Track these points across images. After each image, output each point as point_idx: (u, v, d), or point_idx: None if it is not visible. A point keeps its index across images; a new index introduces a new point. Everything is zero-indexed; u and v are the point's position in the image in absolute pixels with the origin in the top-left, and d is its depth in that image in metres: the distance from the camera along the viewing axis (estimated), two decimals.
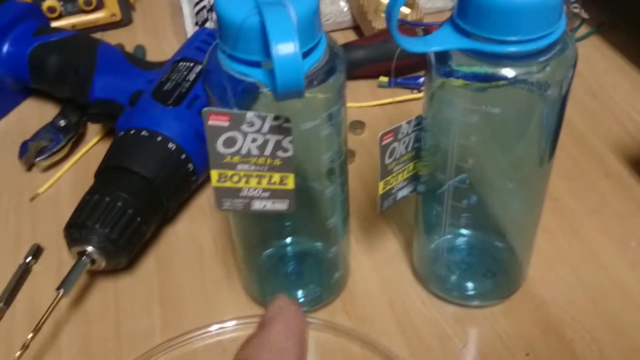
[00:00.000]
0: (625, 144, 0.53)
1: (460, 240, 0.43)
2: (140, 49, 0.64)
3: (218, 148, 0.32)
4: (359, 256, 0.45)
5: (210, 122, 0.31)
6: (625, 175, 0.50)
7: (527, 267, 0.43)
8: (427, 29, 0.59)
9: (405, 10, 0.62)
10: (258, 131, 0.32)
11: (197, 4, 0.64)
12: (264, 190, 0.34)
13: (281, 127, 0.32)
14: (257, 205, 0.35)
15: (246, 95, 0.32)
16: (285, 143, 0.32)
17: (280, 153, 0.33)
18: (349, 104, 0.57)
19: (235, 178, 0.33)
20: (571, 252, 0.45)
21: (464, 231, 0.43)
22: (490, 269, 0.43)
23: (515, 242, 0.42)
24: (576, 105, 0.56)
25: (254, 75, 0.30)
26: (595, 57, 0.62)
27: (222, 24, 0.30)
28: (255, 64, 0.30)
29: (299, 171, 0.35)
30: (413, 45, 0.32)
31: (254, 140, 0.32)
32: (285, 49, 0.27)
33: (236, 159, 0.33)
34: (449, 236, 0.42)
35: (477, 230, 0.42)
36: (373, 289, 0.43)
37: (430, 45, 0.32)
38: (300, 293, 0.43)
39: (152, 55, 0.64)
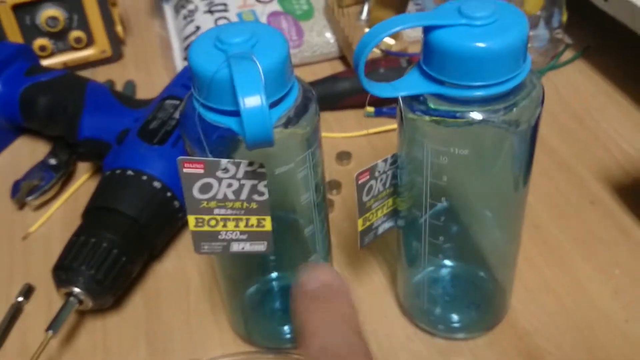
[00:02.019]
0: (610, 171, 0.53)
1: (443, 272, 0.43)
2: (130, 84, 0.65)
3: (194, 194, 0.33)
4: None
5: (185, 170, 0.32)
6: (610, 202, 0.50)
7: (510, 298, 0.43)
8: (411, 59, 0.60)
9: (389, 40, 0.63)
10: (233, 177, 0.33)
11: (186, 38, 0.66)
12: (242, 232, 0.35)
13: (255, 172, 0.32)
14: (236, 247, 0.35)
15: (221, 141, 0.33)
16: (261, 187, 0.33)
17: (256, 197, 0.33)
18: (335, 134, 0.58)
19: (213, 222, 0.34)
20: (554, 281, 0.45)
21: (446, 262, 0.43)
22: (474, 300, 0.43)
23: (497, 271, 0.42)
24: (561, 130, 0.57)
25: (227, 124, 0.31)
26: (580, 81, 0.63)
27: (195, 75, 0.31)
28: (228, 113, 0.31)
29: (278, 211, 0.36)
30: (382, 90, 0.33)
31: (229, 185, 0.33)
32: (252, 102, 0.28)
33: (212, 204, 0.33)
34: (430, 268, 0.42)
35: (459, 260, 0.43)
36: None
37: (398, 91, 0.33)
38: (286, 329, 0.43)
39: (143, 90, 0.65)
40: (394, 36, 0.63)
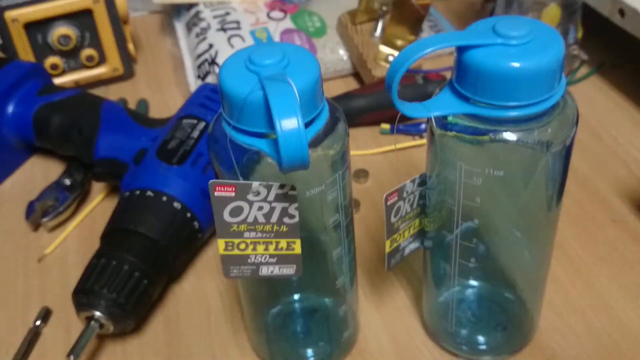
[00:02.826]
0: (631, 188, 0.52)
1: (470, 292, 0.43)
2: (143, 103, 0.64)
3: (225, 217, 0.32)
4: (368, 311, 0.45)
5: (216, 194, 0.31)
6: (631, 220, 0.50)
7: (538, 319, 0.42)
8: (427, 76, 0.60)
9: None
10: (264, 200, 0.32)
11: (198, 56, 0.65)
12: (271, 256, 0.34)
13: (287, 195, 0.32)
14: (265, 270, 0.35)
15: (249, 163, 0.32)
16: (291, 210, 0.33)
17: (286, 220, 0.33)
18: (352, 152, 0.58)
19: (242, 245, 0.33)
20: (581, 301, 0.45)
21: (473, 282, 0.42)
22: (501, 322, 0.43)
23: (525, 293, 0.42)
24: (579, 147, 0.56)
25: (260, 147, 0.31)
26: (596, 97, 0.62)
27: (226, 98, 0.31)
28: (260, 135, 0.31)
29: (306, 234, 0.35)
30: (414, 111, 0.32)
31: (260, 208, 0.32)
32: (288, 124, 0.28)
33: (243, 227, 0.33)
34: (457, 288, 0.42)
35: (487, 281, 0.42)
36: (384, 345, 0.43)
37: (430, 111, 0.32)
38: (310, 352, 0.42)
39: (155, 108, 0.65)
40: None
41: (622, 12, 0.58)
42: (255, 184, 0.31)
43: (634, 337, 0.42)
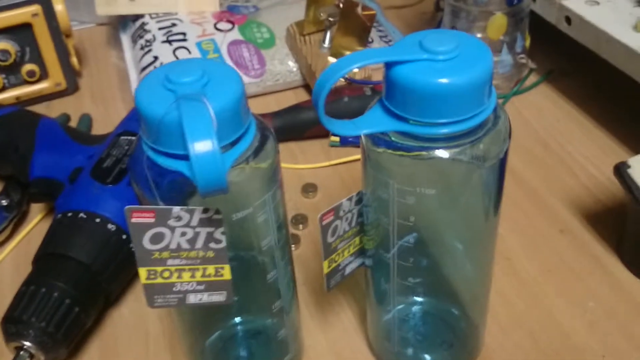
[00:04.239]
0: (579, 198, 0.52)
1: (414, 310, 0.42)
2: (86, 118, 0.62)
3: (145, 245, 0.31)
4: (313, 332, 0.44)
5: (133, 220, 0.30)
6: (580, 230, 0.49)
7: (483, 335, 0.41)
8: (375, 87, 0.59)
9: None
10: (187, 225, 0.31)
11: (143, 69, 0.64)
12: (199, 283, 0.33)
13: (211, 219, 0.31)
14: (193, 299, 0.33)
15: (173, 186, 0.31)
16: (217, 234, 0.31)
17: (212, 245, 0.31)
18: (300, 166, 0.57)
19: (166, 274, 0.32)
20: (528, 316, 0.44)
21: (416, 298, 0.41)
22: (447, 339, 0.42)
23: (469, 307, 0.41)
24: (527, 157, 0.56)
25: (179, 168, 0.29)
26: (545, 105, 0.62)
27: (143, 118, 0.29)
28: (180, 157, 0.29)
29: (238, 255, 0.34)
30: (343, 129, 0.31)
31: (183, 234, 0.31)
32: (202, 147, 0.26)
33: (165, 254, 0.31)
34: (400, 306, 0.41)
35: (430, 297, 0.41)
36: None
37: (360, 129, 0.31)
38: None
39: (100, 123, 0.63)
40: None
41: (568, 20, 0.57)
42: (176, 209, 0.30)
43: (583, 353, 0.42)
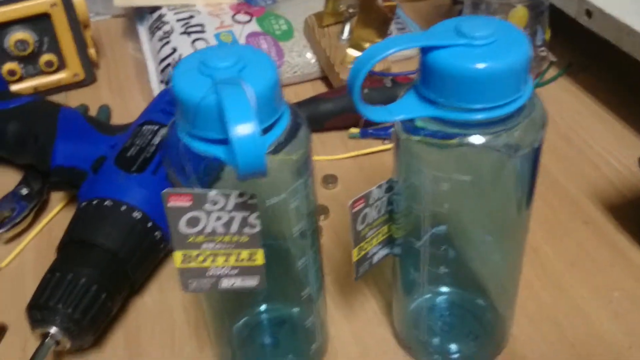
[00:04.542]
0: (601, 189, 0.52)
1: (441, 299, 0.42)
2: (104, 109, 0.62)
3: (181, 229, 0.31)
4: (338, 322, 0.44)
5: (170, 204, 0.30)
6: (602, 222, 0.49)
7: (510, 327, 0.41)
8: (395, 79, 0.59)
9: None
10: (222, 209, 0.31)
11: (162, 61, 0.63)
12: (232, 267, 0.33)
13: (246, 204, 0.30)
14: (226, 283, 0.33)
15: (208, 171, 0.31)
16: (252, 219, 0.31)
17: (246, 229, 0.31)
18: (320, 157, 0.56)
19: (201, 258, 0.32)
20: (553, 306, 0.44)
21: (444, 289, 0.41)
22: (473, 330, 0.42)
23: (497, 299, 0.41)
24: (549, 149, 0.56)
25: (216, 153, 0.29)
26: (565, 99, 0.62)
27: (180, 103, 0.29)
28: (217, 141, 0.29)
29: (270, 242, 0.34)
30: (377, 115, 0.31)
31: (218, 218, 0.31)
32: (243, 130, 0.26)
33: (200, 238, 0.31)
34: (428, 296, 0.41)
35: (458, 288, 0.41)
36: (354, 357, 0.42)
37: (394, 115, 0.31)
38: None
39: (118, 115, 0.63)
40: None
41: (588, 13, 0.57)
42: (212, 193, 0.30)
43: (606, 341, 0.42)
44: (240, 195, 0.30)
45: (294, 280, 0.37)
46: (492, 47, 0.29)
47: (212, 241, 0.31)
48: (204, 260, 0.32)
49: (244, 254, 0.32)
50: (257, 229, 0.31)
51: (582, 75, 0.64)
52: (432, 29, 0.31)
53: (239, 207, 0.30)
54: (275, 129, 0.30)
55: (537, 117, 0.32)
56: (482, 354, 0.41)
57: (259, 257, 0.33)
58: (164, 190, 0.30)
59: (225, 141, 0.29)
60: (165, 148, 0.32)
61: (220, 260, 0.32)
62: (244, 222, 0.31)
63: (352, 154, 0.57)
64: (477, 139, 0.31)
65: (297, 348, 0.41)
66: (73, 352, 0.42)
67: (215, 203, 0.30)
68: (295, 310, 0.40)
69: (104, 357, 0.43)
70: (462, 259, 0.38)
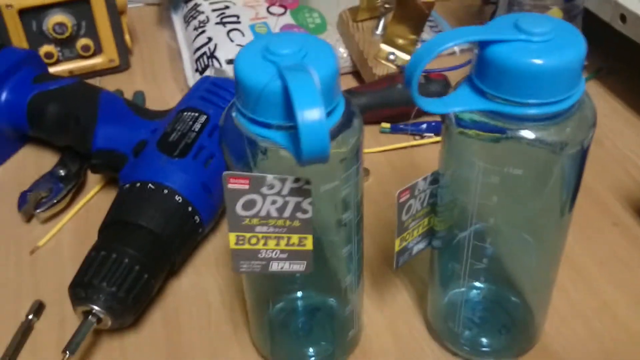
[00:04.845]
0: (631, 192, 0.53)
1: (475, 293, 0.42)
2: (139, 95, 0.63)
3: (237, 211, 0.31)
4: (371, 311, 0.44)
5: (229, 186, 0.31)
6: (632, 224, 0.50)
7: (543, 323, 0.42)
8: (429, 75, 0.60)
9: (405, 57, 0.62)
10: (278, 193, 0.31)
11: (197, 50, 0.64)
12: (282, 251, 0.33)
13: (301, 189, 0.31)
14: (275, 266, 0.34)
15: (260, 155, 0.32)
16: (305, 205, 0.32)
17: (299, 214, 0.32)
18: None
19: (254, 240, 0.33)
20: (584, 305, 0.44)
21: (479, 284, 0.42)
22: (506, 324, 0.42)
23: (531, 297, 0.41)
24: None
25: (275, 139, 0.30)
26: (595, 103, 0.62)
27: (242, 88, 0.30)
28: (276, 127, 0.30)
29: (317, 230, 0.34)
30: (433, 106, 0.32)
31: (273, 202, 0.32)
32: (311, 115, 0.27)
33: (255, 221, 0.32)
34: (464, 289, 0.41)
35: (493, 283, 0.42)
36: (387, 346, 0.43)
37: (449, 107, 0.32)
38: (311, 351, 0.42)
39: (152, 101, 0.64)
40: (409, 52, 0.62)
41: (623, 18, 0.58)
42: (270, 177, 0.31)
43: (636, 340, 0.42)
44: (296, 180, 0.31)
45: (338, 266, 0.38)
46: (550, 44, 0.30)
47: (266, 224, 0.32)
48: (257, 243, 0.33)
49: (294, 238, 0.33)
50: (309, 215, 0.32)
51: (611, 80, 0.64)
52: (491, 23, 0.31)
53: (293, 192, 0.31)
54: (333, 116, 0.31)
55: (587, 115, 0.33)
56: (513, 348, 0.42)
57: (309, 243, 0.33)
58: (224, 173, 0.30)
59: (285, 127, 0.30)
60: (223, 132, 0.32)
61: (271, 243, 0.33)
62: (297, 207, 0.32)
63: (384, 148, 0.58)
64: (528, 134, 0.31)
65: (333, 335, 0.42)
66: (111, 330, 0.43)
67: (271, 187, 0.31)
68: (334, 297, 0.41)
69: (143, 337, 0.43)
70: (501, 256, 0.38)
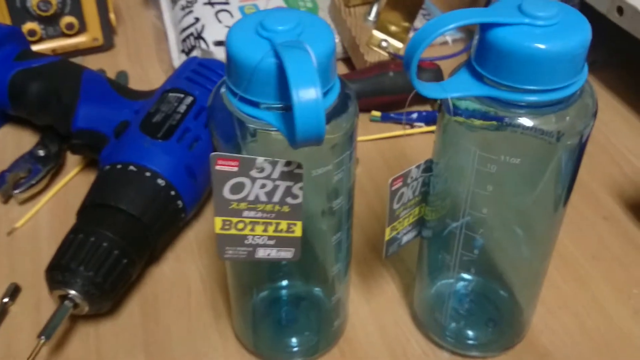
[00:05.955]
0: (622, 187, 0.52)
1: (462, 285, 0.42)
2: (122, 75, 0.61)
3: (224, 194, 0.30)
4: (356, 301, 0.43)
5: (217, 167, 0.29)
6: (623, 219, 0.49)
7: (530, 317, 0.41)
8: (421, 64, 0.59)
9: (397, 44, 0.61)
10: (268, 177, 0.30)
11: (183, 30, 0.62)
12: (270, 237, 0.32)
13: (292, 173, 0.30)
14: (262, 253, 0.33)
15: (254, 138, 0.30)
16: (295, 189, 0.31)
17: (289, 200, 0.31)
18: None
19: (240, 225, 0.31)
20: (574, 299, 0.44)
21: (467, 276, 0.41)
22: (493, 318, 0.41)
23: (520, 290, 0.41)
24: None
25: (268, 120, 0.29)
26: None
27: (234, 65, 0.28)
28: (269, 107, 0.29)
29: (306, 217, 0.33)
30: (431, 91, 0.31)
31: (262, 186, 0.30)
32: (306, 94, 0.26)
33: (243, 205, 0.31)
34: (451, 280, 0.41)
35: (482, 275, 0.41)
36: (372, 336, 0.42)
37: (448, 92, 0.31)
38: (294, 341, 0.40)
39: (135, 82, 0.62)
40: (402, 39, 0.61)
41: (620, 10, 0.57)
42: (260, 160, 0.29)
43: (626, 336, 0.42)
44: (288, 164, 0.30)
45: (327, 254, 0.36)
46: (554, 29, 0.29)
47: (254, 209, 0.31)
48: (243, 228, 0.31)
49: (283, 224, 0.32)
50: (299, 200, 0.31)
51: (604, 73, 0.64)
52: (494, 5, 0.30)
53: (284, 175, 0.30)
54: (328, 97, 0.30)
55: (588, 104, 0.32)
56: (500, 342, 0.41)
57: (298, 229, 0.32)
58: (212, 154, 0.29)
59: (278, 107, 0.28)
60: (212, 111, 0.31)
61: (258, 229, 0.32)
62: (288, 192, 0.31)
63: (373, 137, 0.57)
64: (526, 121, 0.30)
65: (317, 325, 0.41)
66: (87, 316, 0.42)
67: (261, 170, 0.30)
68: (321, 286, 0.40)
69: (119, 323, 0.42)
70: (491, 248, 0.37)
